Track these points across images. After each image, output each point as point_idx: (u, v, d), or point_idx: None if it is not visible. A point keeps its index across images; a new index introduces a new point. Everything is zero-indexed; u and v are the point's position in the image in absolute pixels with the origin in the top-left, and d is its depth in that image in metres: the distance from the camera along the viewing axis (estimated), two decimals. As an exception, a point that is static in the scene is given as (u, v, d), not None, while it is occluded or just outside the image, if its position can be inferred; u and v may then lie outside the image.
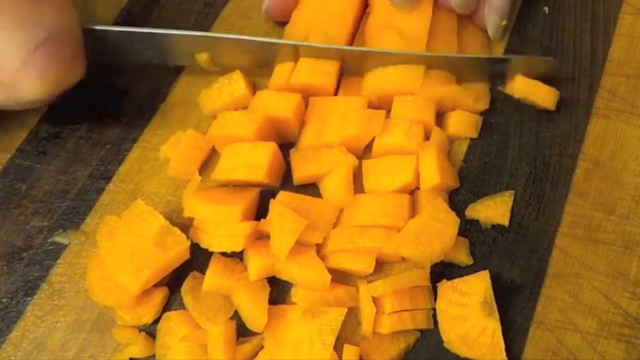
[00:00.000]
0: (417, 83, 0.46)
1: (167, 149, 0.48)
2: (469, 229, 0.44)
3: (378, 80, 0.47)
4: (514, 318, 0.40)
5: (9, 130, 0.51)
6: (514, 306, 0.41)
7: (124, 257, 0.41)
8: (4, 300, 0.44)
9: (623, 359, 0.39)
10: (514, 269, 0.42)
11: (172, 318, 0.42)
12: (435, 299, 0.41)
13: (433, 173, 0.43)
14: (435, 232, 0.40)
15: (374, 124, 0.45)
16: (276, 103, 0.46)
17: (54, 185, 0.48)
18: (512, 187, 0.45)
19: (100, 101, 0.52)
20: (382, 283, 0.40)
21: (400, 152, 0.44)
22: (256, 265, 0.41)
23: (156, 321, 0.42)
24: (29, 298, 0.44)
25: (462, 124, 0.46)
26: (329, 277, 0.40)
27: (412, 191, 0.44)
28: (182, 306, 0.42)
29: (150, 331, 0.42)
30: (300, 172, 0.45)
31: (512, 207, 0.44)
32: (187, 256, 0.42)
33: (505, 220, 0.44)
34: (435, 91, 0.46)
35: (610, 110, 0.47)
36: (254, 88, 0.50)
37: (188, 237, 0.42)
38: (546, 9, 0.53)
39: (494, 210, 0.44)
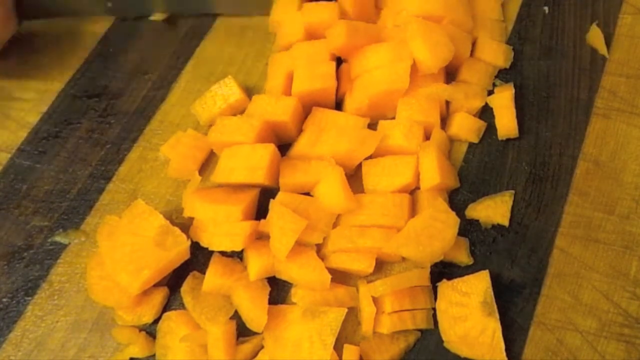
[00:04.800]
0: (404, 82, 0.45)
1: (167, 149, 0.48)
2: (469, 229, 0.44)
3: (365, 84, 0.46)
4: (514, 318, 0.40)
5: (9, 130, 0.51)
6: (514, 306, 0.41)
7: (124, 257, 0.41)
8: (4, 299, 0.44)
9: (623, 359, 0.39)
10: (514, 269, 0.42)
11: (172, 318, 0.42)
12: (435, 299, 0.41)
13: (433, 173, 0.43)
14: (435, 232, 0.40)
15: (367, 144, 0.44)
16: (273, 108, 0.46)
17: (54, 185, 0.48)
18: (512, 187, 0.45)
19: (100, 101, 0.52)
20: (382, 283, 0.40)
21: (400, 152, 0.44)
22: (256, 265, 0.41)
23: (156, 321, 0.42)
24: (29, 298, 0.44)
25: (465, 128, 0.46)
26: (329, 277, 0.40)
27: (412, 191, 0.44)
28: (182, 306, 0.42)
29: (150, 331, 0.42)
30: (288, 180, 0.44)
31: (512, 207, 0.44)
32: (187, 256, 0.42)
33: (505, 220, 0.44)
34: (425, 90, 0.46)
35: (610, 110, 0.47)
36: (249, 92, 0.50)
37: (188, 237, 0.42)
38: (546, 8, 0.52)
39: (494, 210, 0.44)
